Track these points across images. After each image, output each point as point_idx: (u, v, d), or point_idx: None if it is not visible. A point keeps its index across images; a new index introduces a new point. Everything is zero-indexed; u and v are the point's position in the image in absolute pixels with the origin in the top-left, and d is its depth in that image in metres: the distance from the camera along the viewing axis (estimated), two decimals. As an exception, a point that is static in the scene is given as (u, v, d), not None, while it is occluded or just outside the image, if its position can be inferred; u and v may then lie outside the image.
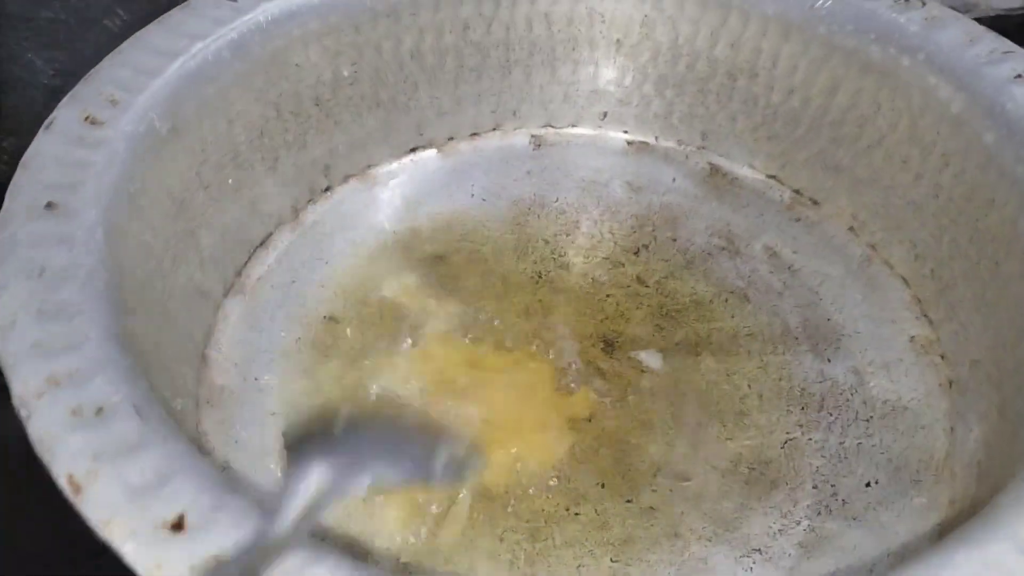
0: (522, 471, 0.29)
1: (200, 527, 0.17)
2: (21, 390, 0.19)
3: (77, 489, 0.17)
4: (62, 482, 0.17)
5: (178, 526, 0.17)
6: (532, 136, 0.41)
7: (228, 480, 0.18)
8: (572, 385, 0.31)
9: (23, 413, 0.19)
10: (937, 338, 0.32)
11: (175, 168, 0.29)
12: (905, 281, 0.34)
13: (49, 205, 0.24)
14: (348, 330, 0.33)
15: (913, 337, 0.33)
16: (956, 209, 0.31)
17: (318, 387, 0.31)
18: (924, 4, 0.32)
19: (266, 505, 0.17)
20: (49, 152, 0.25)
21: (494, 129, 0.40)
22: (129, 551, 0.16)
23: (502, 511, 0.28)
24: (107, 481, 0.17)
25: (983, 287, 0.29)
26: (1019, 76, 0.29)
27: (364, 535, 0.27)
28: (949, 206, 0.31)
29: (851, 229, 0.36)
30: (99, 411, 0.19)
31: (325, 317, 0.34)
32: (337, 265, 0.35)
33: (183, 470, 0.18)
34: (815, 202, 0.37)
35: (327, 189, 0.38)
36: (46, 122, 0.27)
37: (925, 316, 0.33)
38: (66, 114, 0.27)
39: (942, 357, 0.32)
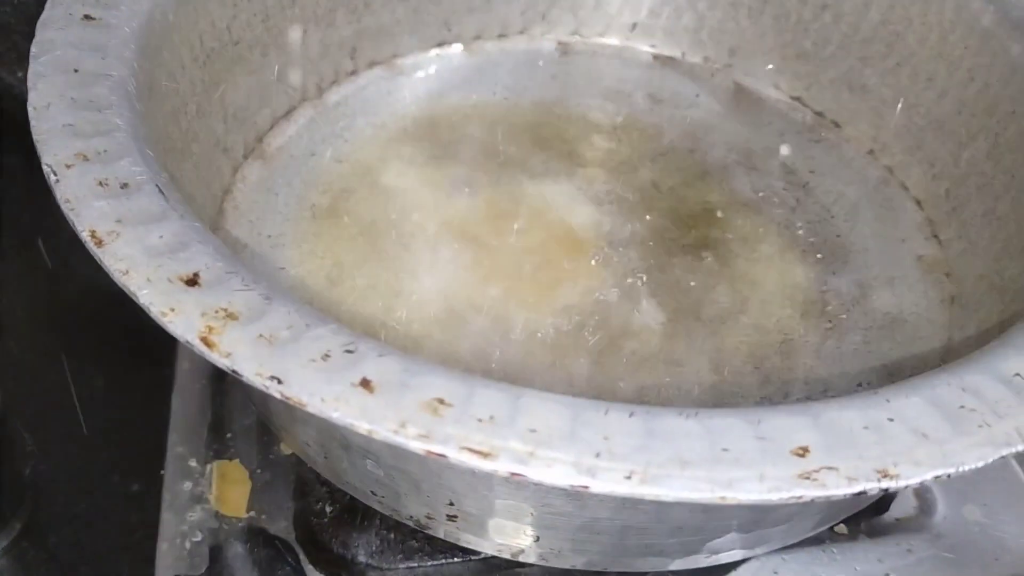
0: (537, 331, 0.30)
1: (213, 284, 0.17)
2: (51, 160, 0.20)
3: (99, 243, 0.18)
4: (84, 236, 0.18)
5: (192, 281, 0.17)
6: (559, 42, 0.41)
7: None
8: (578, 264, 0.32)
9: (52, 179, 0.19)
10: (944, 257, 0.32)
11: (207, 14, 0.30)
12: (919, 203, 0.34)
13: (86, 17, 0.24)
14: (360, 202, 0.34)
15: (921, 256, 0.33)
16: (977, 124, 0.31)
17: (327, 248, 0.32)
18: (965, -79, 0.32)
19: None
20: (88, -28, 0.26)
21: (521, 32, 0.41)
22: (144, 295, 0.17)
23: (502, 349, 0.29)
24: (128, 240, 0.18)
25: (995, 200, 0.30)
26: (1052, -9, 0.29)
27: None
28: (971, 121, 0.31)
29: (870, 152, 0.36)
30: (124, 186, 0.19)
31: (339, 189, 0.34)
32: (355, 144, 0.36)
33: (200, 241, 0.19)
34: (837, 124, 0.38)
35: (352, 72, 0.38)
36: (85, -55, 0.27)
37: (935, 236, 0.33)
38: (105, -60, 0.27)
39: (947, 275, 0.32)
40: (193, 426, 0.31)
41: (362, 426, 0.15)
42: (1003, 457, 0.16)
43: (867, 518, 0.29)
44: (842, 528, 0.29)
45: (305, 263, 0.31)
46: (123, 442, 0.36)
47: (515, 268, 0.31)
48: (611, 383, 0.28)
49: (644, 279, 0.32)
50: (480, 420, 0.15)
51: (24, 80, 0.45)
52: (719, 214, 0.35)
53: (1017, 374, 0.18)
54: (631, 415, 0.16)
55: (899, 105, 0.34)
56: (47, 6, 0.25)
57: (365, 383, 0.16)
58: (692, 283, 0.32)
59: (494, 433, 0.15)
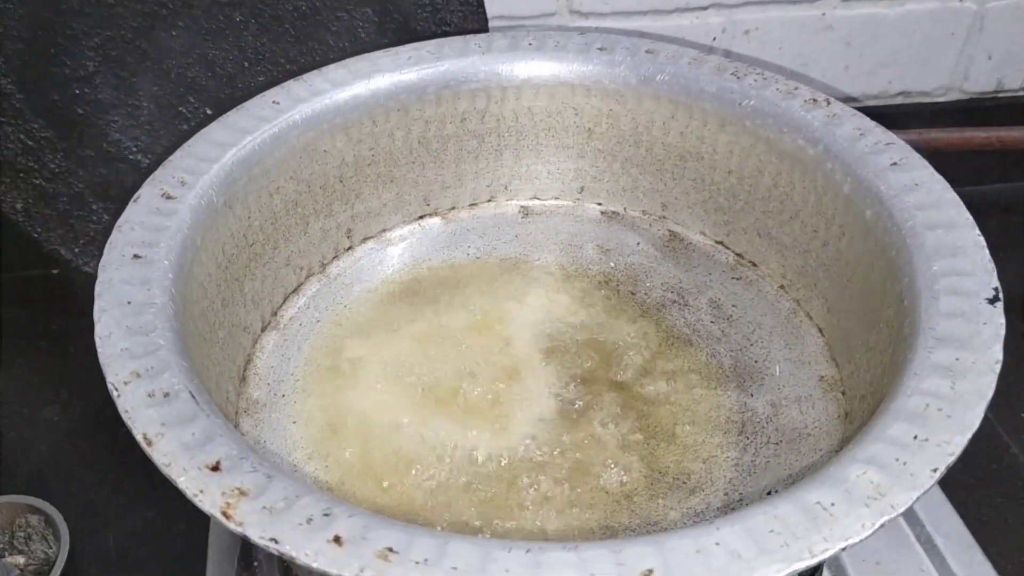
0: (488, 461, 0.36)
1: (231, 468, 0.25)
2: (113, 379, 0.27)
3: (150, 443, 0.25)
4: (139, 439, 0.25)
5: (216, 468, 0.24)
6: (521, 206, 0.49)
7: (250, 443, 0.26)
8: (534, 400, 0.39)
9: (114, 394, 0.27)
10: (840, 378, 0.38)
11: (227, 231, 0.38)
12: (820, 331, 0.41)
13: (135, 256, 0.33)
14: (357, 360, 0.41)
15: (823, 377, 0.39)
16: (850, 271, 0.38)
17: (329, 404, 0.39)
18: (828, 104, 0.40)
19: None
20: (136, 219, 0.34)
21: (489, 200, 0.49)
22: (182, 481, 0.24)
23: (463, 495, 0.35)
24: (169, 439, 0.25)
25: (868, 333, 0.36)
26: (895, 164, 0.36)
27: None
28: (846, 268, 0.38)
29: (781, 287, 0.43)
30: (166, 395, 0.27)
31: (338, 348, 0.42)
32: (352, 308, 0.44)
33: (221, 434, 0.26)
34: (754, 264, 0.45)
35: (349, 248, 0.46)
36: (134, 197, 0.35)
37: (833, 360, 0.39)
38: (148, 191, 0.36)
39: (843, 393, 0.38)
40: (227, 556, 0.38)
41: (333, 572, 0.22)
42: (796, 571, 0.22)
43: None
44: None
45: (311, 415, 0.38)
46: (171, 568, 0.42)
47: (481, 401, 0.38)
48: (565, 502, 0.35)
49: (589, 407, 0.38)
50: (416, 562, 0.22)
51: (77, 256, 0.53)
52: (657, 349, 0.42)
53: (818, 502, 0.24)
54: (527, 551, 0.22)
55: (796, 250, 0.41)
56: (105, 249, 0.33)
57: (337, 539, 0.22)
58: (632, 409, 0.39)
59: (426, 571, 0.22)
